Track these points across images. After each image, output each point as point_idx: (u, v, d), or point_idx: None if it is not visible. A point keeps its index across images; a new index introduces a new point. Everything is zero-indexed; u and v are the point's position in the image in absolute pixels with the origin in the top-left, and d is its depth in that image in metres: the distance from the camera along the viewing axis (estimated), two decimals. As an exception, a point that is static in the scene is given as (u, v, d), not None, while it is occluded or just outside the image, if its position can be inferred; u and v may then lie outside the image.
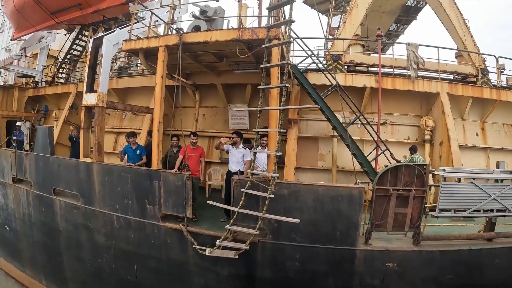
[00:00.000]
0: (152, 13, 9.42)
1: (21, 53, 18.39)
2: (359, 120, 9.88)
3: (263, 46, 6.87)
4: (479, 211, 7.20)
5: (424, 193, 6.91)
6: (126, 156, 9.54)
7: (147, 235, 8.28)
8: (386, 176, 6.73)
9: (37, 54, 19.86)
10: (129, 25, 9.44)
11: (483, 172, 7.51)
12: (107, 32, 10.26)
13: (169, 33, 9.00)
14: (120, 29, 10.09)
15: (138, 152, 9.31)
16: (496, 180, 7.31)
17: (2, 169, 13.03)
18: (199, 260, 7.57)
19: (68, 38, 19.76)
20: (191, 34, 8.00)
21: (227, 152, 8.81)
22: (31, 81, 19.42)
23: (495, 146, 12.55)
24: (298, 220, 6.31)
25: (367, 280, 7.05)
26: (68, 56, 18.97)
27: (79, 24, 17.12)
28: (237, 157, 8.44)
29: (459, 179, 7.21)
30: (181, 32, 7.94)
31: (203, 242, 7.24)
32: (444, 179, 6.91)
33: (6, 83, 18.96)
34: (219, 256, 6.78)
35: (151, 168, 8.38)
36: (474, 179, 7.06)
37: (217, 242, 6.74)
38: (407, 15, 18.59)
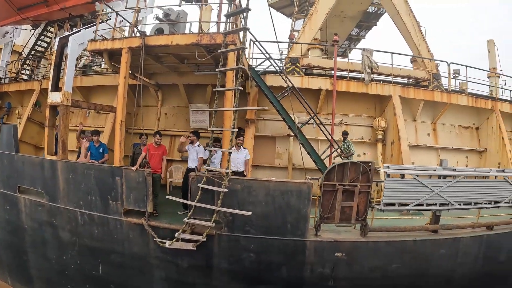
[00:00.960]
0: (117, 14, 9.71)
1: None
2: (314, 120, 10.48)
3: (219, 51, 7.34)
4: (423, 205, 7.89)
5: (369, 188, 7.52)
6: (89, 153, 9.81)
7: (111, 230, 8.54)
8: (333, 172, 7.28)
9: (1, 49, 19.55)
10: (95, 24, 9.71)
11: (425, 169, 8.20)
12: (73, 31, 10.48)
13: (133, 35, 9.33)
14: (86, 28, 10.31)
15: (100, 150, 9.58)
16: (440, 177, 8.04)
17: None
18: (160, 253, 7.92)
19: (33, 34, 19.60)
20: (154, 37, 8.38)
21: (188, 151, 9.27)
22: None
23: (445, 145, 13.48)
24: (250, 213, 6.80)
25: (318, 269, 7.57)
26: (33, 52, 18.89)
27: (45, 20, 17.12)
28: (193, 155, 8.90)
29: (403, 175, 7.89)
30: (144, 35, 8.29)
31: (163, 235, 7.59)
32: (388, 175, 7.54)
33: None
34: (178, 248, 7.20)
35: (113, 165, 8.71)
36: (417, 175, 7.76)
37: (176, 234, 7.15)
38: (368, 20, 19.48)
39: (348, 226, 7.83)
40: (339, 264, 7.57)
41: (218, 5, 8.66)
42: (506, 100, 15.46)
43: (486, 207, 8.66)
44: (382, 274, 7.84)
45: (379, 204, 7.64)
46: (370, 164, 7.46)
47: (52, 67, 9.87)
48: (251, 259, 7.50)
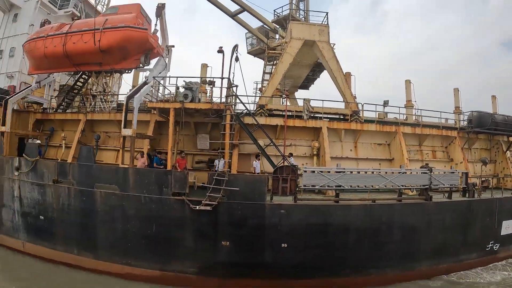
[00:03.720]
0: (162, 85, 18.81)
1: (37, 86, 25.06)
2: (273, 143, 19.58)
3: (222, 114, 16.58)
4: (325, 186, 16.87)
5: (296, 178, 16.45)
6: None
7: (163, 204, 16.88)
8: (278, 170, 16.36)
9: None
10: (144, 85, 18.67)
11: (325, 169, 17.30)
12: (134, 91, 19.13)
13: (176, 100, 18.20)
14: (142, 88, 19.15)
15: (161, 162, 18.55)
16: (338, 172, 17.06)
17: (42, 175, 20.17)
18: (191, 215, 16.35)
19: (71, 76, 27.96)
20: (188, 103, 17.34)
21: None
22: (36, 106, 26.94)
23: (362, 156, 22.66)
24: (238, 189, 15.66)
25: (272, 219, 16.25)
26: (75, 90, 26.48)
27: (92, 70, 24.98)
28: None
29: (313, 171, 16.92)
30: (183, 102, 17.28)
31: (195, 204, 16.18)
32: (305, 171, 16.59)
33: (21, 108, 25.63)
34: (202, 209, 15.82)
35: (167, 169, 17.62)
36: (321, 171, 16.83)
37: (202, 202, 15.90)
38: (320, 66, 28.68)
39: (286, 196, 16.60)
40: (282, 216, 16.22)
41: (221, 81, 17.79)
42: (407, 124, 24.82)
43: (368, 190, 17.66)
44: (306, 223, 16.46)
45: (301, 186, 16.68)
46: (295, 166, 16.54)
47: (124, 113, 18.11)
48: (238, 213, 16.18)
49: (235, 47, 18.40)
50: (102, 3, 36.01)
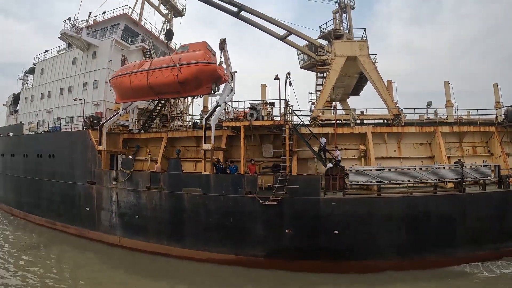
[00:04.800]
0: (231, 106, 24.17)
1: (124, 112, 30.55)
2: (326, 148, 24.32)
3: (281, 129, 21.65)
4: (368, 182, 21.22)
5: (343, 176, 21.05)
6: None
7: (238, 202, 21.79)
8: (328, 171, 21.14)
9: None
10: (216, 107, 24.07)
11: (367, 167, 21.73)
12: (209, 113, 24.61)
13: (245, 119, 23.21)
14: (215, 110, 24.53)
15: (234, 169, 23.64)
16: (378, 170, 21.47)
17: (137, 183, 25.76)
18: (262, 209, 21.07)
19: (151, 101, 33.86)
20: (254, 121, 22.22)
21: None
22: (122, 128, 32.89)
23: (405, 156, 26.49)
24: (297, 187, 20.41)
25: (325, 211, 20.64)
26: (154, 113, 32.38)
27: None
28: None
29: (357, 170, 21.43)
30: (250, 120, 22.45)
31: (263, 200, 20.99)
32: (351, 170, 21.17)
33: (110, 131, 31.25)
34: (270, 204, 20.58)
35: (240, 174, 22.71)
36: (364, 170, 21.38)
37: (270, 198, 20.73)
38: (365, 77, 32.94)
39: (336, 191, 21.19)
40: (334, 207, 20.54)
41: (279, 102, 22.84)
42: (445, 123, 28.10)
43: (405, 185, 21.59)
44: (353, 213, 20.59)
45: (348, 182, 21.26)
46: (343, 166, 21.22)
47: (203, 131, 23.22)
48: (298, 206, 20.71)
49: (288, 75, 23.21)
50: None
